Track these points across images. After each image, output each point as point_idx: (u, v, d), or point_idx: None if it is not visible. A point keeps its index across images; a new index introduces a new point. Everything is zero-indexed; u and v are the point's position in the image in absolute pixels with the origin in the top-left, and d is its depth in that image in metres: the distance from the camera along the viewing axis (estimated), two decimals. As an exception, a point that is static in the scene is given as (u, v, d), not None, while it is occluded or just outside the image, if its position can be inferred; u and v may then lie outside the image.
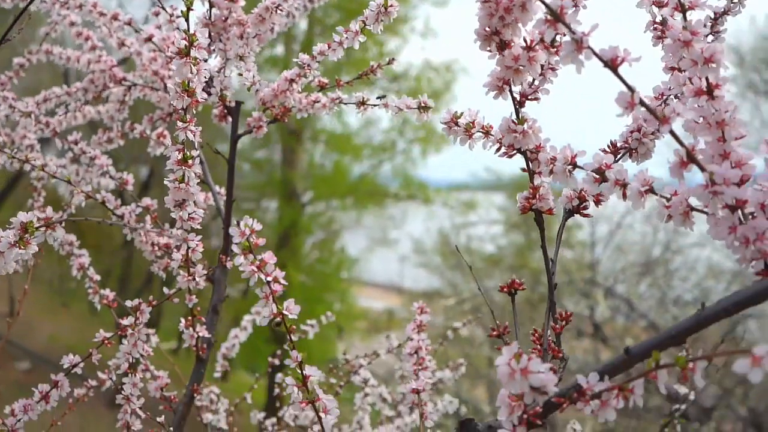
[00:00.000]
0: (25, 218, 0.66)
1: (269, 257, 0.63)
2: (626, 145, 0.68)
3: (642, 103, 0.50)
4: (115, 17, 1.09)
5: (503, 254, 9.66)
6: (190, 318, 0.95)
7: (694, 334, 0.51)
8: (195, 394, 0.99)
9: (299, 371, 0.65)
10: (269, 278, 0.62)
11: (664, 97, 0.69)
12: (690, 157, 0.51)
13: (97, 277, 1.10)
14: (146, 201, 1.05)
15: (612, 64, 0.50)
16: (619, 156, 0.69)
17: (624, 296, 6.06)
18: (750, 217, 0.51)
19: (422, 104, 0.83)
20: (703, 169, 0.51)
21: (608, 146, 0.69)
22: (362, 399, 1.30)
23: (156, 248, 1.02)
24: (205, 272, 0.90)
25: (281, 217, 10.94)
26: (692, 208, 0.54)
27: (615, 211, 6.94)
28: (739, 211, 0.52)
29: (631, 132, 0.68)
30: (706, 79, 0.53)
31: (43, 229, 0.66)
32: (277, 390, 1.34)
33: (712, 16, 0.71)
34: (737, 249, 0.51)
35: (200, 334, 0.97)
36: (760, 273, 0.50)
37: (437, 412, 1.33)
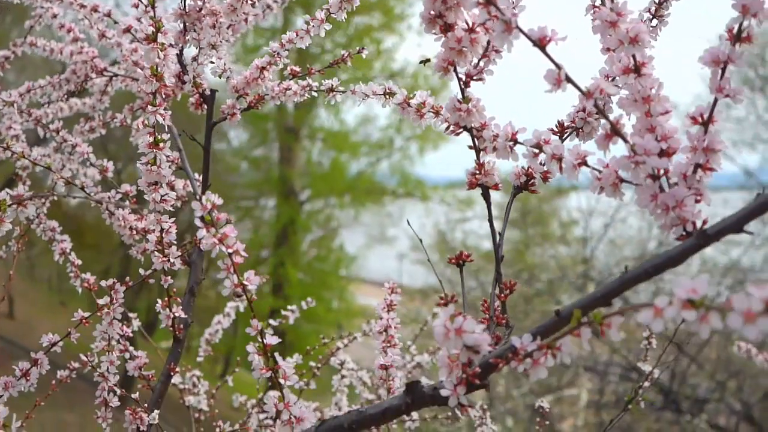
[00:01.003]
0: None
1: (230, 231, 0.66)
2: (572, 125, 0.72)
3: (568, 79, 0.53)
4: (94, 9, 1.13)
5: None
6: (166, 299, 0.99)
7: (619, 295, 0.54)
8: (171, 373, 1.02)
9: (260, 340, 0.68)
10: (230, 250, 0.65)
11: (610, 79, 0.72)
12: (614, 130, 0.54)
13: (79, 262, 1.13)
14: (125, 187, 1.08)
15: (540, 44, 0.54)
16: (566, 135, 0.72)
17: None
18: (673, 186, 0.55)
19: (387, 91, 0.86)
20: (626, 141, 0.54)
21: (555, 126, 0.72)
22: (339, 381, 1.34)
23: (134, 232, 1.05)
24: (179, 253, 0.94)
25: (279, 214, 10.97)
26: (621, 180, 0.58)
27: (609, 206, 6.98)
28: (664, 181, 0.55)
29: (577, 112, 0.71)
30: (633, 57, 0.56)
31: (15, 206, 0.69)
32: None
33: (657, 0, 0.74)
34: (659, 216, 0.54)
35: (177, 315, 1.00)
36: (679, 238, 0.54)
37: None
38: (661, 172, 0.54)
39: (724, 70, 0.55)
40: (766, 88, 8.81)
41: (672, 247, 0.53)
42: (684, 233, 0.53)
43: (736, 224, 0.50)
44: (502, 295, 0.65)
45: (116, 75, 1.22)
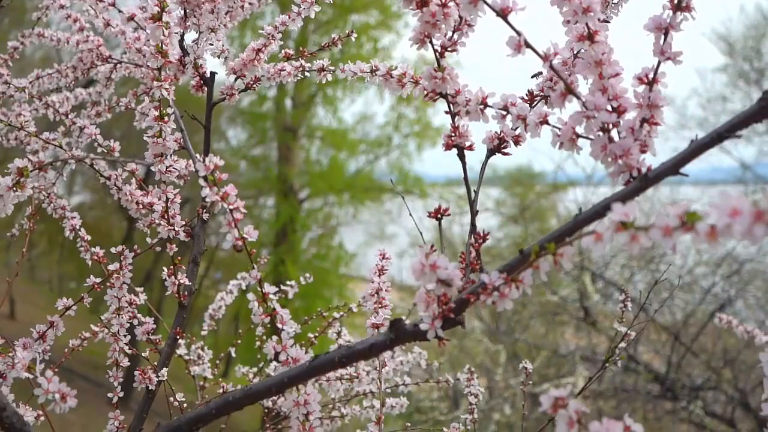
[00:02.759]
0: (20, 164, 0.76)
1: (231, 189, 0.73)
2: (542, 93, 0.79)
3: (527, 44, 0.61)
4: (100, -1, 1.20)
5: (500, 247, 9.78)
6: (172, 267, 1.06)
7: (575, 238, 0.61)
8: (178, 336, 1.09)
9: (259, 289, 0.75)
10: (231, 207, 0.72)
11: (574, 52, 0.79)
12: (568, 89, 0.62)
13: (88, 237, 1.20)
14: (131, 165, 1.15)
15: (503, 13, 0.61)
16: (535, 102, 0.79)
17: (612, 281, 6.18)
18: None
19: (374, 68, 0.93)
20: (579, 98, 0.61)
21: (526, 94, 0.79)
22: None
23: (140, 207, 1.12)
24: (184, 222, 1.01)
25: (279, 213, 11.04)
26: (577, 135, 0.65)
27: (604, 197, 7.04)
28: (614, 134, 0.63)
29: (545, 81, 0.78)
30: (587, 25, 0.64)
31: (36, 171, 0.76)
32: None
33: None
34: (609, 164, 0.62)
35: (181, 282, 1.07)
36: (626, 183, 0.61)
37: (408, 364, 1.44)
38: (611, 125, 0.61)
39: (666, 35, 0.62)
40: (762, 81, 8.88)
41: (618, 190, 0.60)
42: (630, 178, 0.61)
43: (672, 168, 0.57)
44: (476, 244, 0.72)
45: (120, 62, 1.29)
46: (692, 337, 6.05)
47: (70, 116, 1.20)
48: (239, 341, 1.67)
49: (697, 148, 0.56)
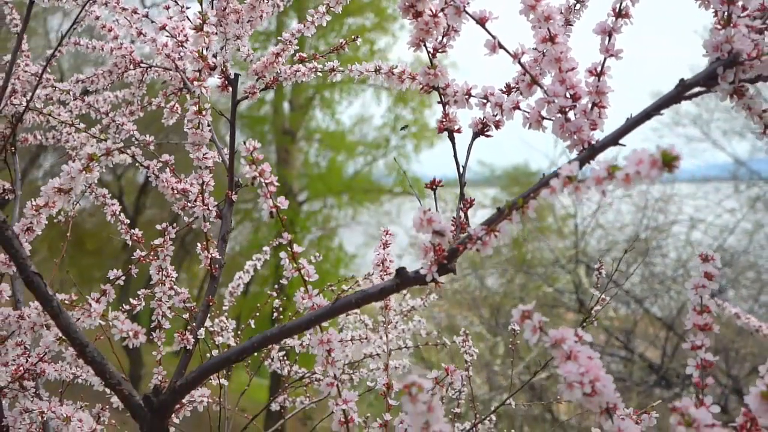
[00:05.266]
0: (90, 150, 0.93)
1: (266, 167, 0.90)
2: (517, 86, 0.96)
3: (500, 45, 0.78)
4: (134, 11, 1.36)
5: (498, 245, 9.95)
6: (205, 242, 1.22)
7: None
8: (210, 303, 1.26)
9: (290, 249, 0.92)
10: (267, 181, 0.89)
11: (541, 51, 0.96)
12: (533, 80, 0.79)
13: (128, 221, 1.37)
14: (165, 157, 1.32)
15: (481, 22, 0.78)
16: (512, 92, 0.96)
17: (607, 274, 6.35)
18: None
19: (377, 67, 1.10)
20: (541, 87, 0.78)
21: (504, 86, 0.96)
22: (344, 317, 1.58)
23: (175, 192, 1.29)
24: (216, 204, 1.18)
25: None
26: (542, 117, 0.82)
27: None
28: (571, 115, 0.80)
29: (519, 75, 0.95)
30: (548, 30, 0.80)
31: (104, 156, 0.93)
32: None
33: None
34: (566, 138, 0.78)
35: (213, 256, 1.24)
36: (579, 153, 0.78)
37: (408, 332, 1.60)
38: (567, 109, 0.78)
39: (610, 37, 0.79)
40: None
41: (574, 157, 0.77)
42: (582, 149, 0.78)
43: (612, 140, 0.74)
44: (464, 208, 0.89)
45: (150, 66, 1.46)
46: (686, 327, 6.21)
47: (110, 115, 1.36)
48: (257, 312, 1.83)
49: (631, 123, 0.73)
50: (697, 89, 0.72)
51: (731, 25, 0.70)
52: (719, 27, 0.71)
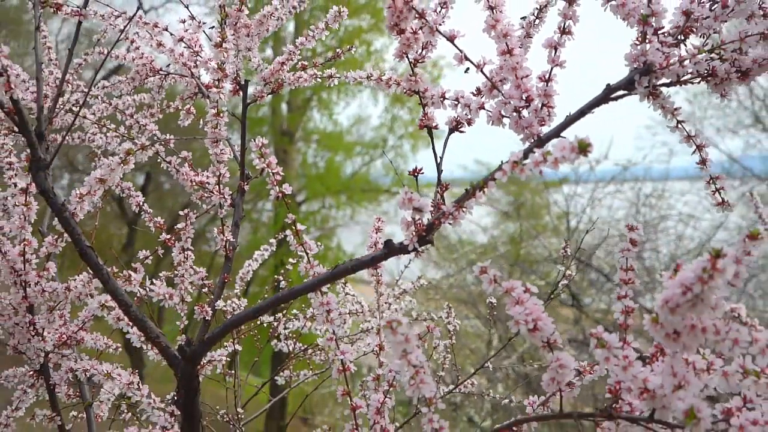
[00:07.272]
0: (126, 146, 1.11)
1: (273, 159, 1.08)
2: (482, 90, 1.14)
3: (466, 58, 0.96)
4: (156, 25, 1.55)
5: (495, 244, 10.14)
6: (221, 227, 1.41)
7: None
8: (225, 281, 1.44)
9: (294, 227, 1.10)
10: (274, 171, 1.08)
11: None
12: (493, 85, 0.97)
13: (150, 211, 1.55)
14: (183, 153, 1.50)
15: (451, 38, 0.96)
16: (480, 95, 1.14)
17: (599, 268, 6.55)
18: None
19: (369, 75, 1.28)
20: (499, 91, 0.97)
21: (475, 89, 1.15)
22: (344, 297, 1.76)
23: (193, 183, 1.47)
24: (231, 193, 1.36)
25: (277, 216, 11.38)
26: (502, 115, 1.00)
27: (586, 188, 7.42)
28: (525, 113, 0.98)
29: (484, 82, 1.13)
30: (506, 44, 0.99)
31: (140, 150, 1.11)
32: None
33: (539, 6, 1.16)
34: (520, 132, 0.97)
35: (228, 239, 1.42)
36: (531, 143, 0.96)
37: (401, 310, 1.79)
38: (521, 108, 0.96)
39: (556, 50, 0.97)
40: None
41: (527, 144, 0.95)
42: (533, 141, 0.96)
43: (555, 133, 0.93)
44: (441, 190, 1.07)
45: (169, 73, 1.64)
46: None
47: (134, 116, 1.54)
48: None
49: (569, 120, 0.92)
50: (620, 92, 0.90)
51: (646, 41, 0.89)
52: (637, 42, 0.89)
